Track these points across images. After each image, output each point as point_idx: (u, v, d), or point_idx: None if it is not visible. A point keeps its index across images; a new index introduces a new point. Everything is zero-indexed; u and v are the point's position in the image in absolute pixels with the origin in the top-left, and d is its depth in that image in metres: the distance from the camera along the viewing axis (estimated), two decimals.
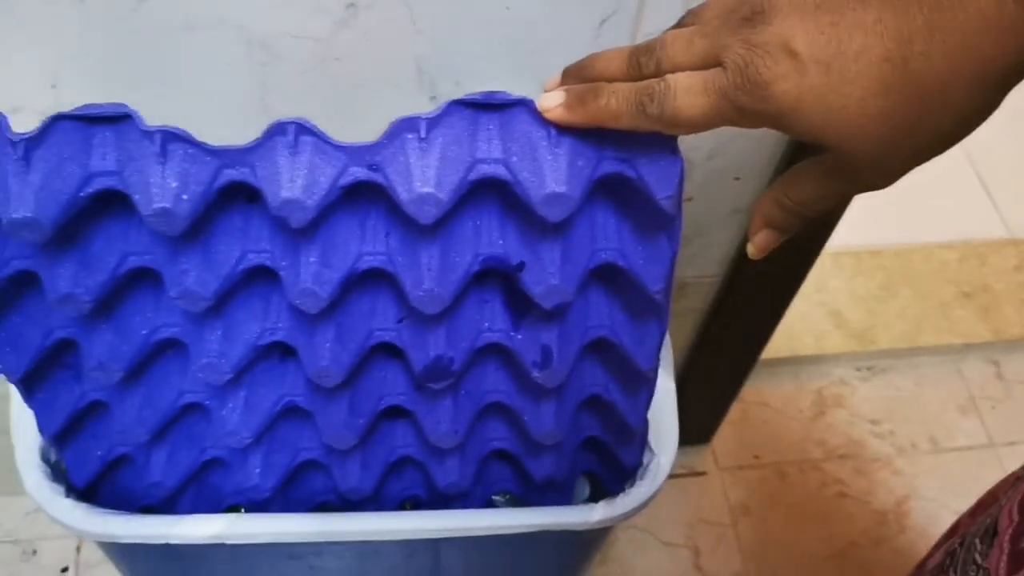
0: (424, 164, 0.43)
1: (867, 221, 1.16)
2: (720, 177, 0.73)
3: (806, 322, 1.36)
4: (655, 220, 0.47)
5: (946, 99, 0.31)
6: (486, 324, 0.53)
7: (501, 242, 0.48)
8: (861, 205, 0.69)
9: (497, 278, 0.52)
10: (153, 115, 0.58)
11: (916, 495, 1.24)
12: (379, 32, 0.55)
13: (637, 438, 0.57)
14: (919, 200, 1.38)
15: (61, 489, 0.55)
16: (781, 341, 1.01)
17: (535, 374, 0.52)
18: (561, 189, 0.43)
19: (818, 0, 0.33)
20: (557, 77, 0.45)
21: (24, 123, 0.58)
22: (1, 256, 0.48)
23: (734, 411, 1.19)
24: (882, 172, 0.35)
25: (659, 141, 0.44)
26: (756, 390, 1.32)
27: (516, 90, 0.60)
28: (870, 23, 0.32)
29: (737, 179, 0.73)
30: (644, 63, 0.39)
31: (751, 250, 0.42)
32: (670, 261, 0.48)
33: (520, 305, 0.52)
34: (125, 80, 0.56)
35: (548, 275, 0.47)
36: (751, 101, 0.34)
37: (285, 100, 0.58)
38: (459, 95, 0.60)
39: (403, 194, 0.43)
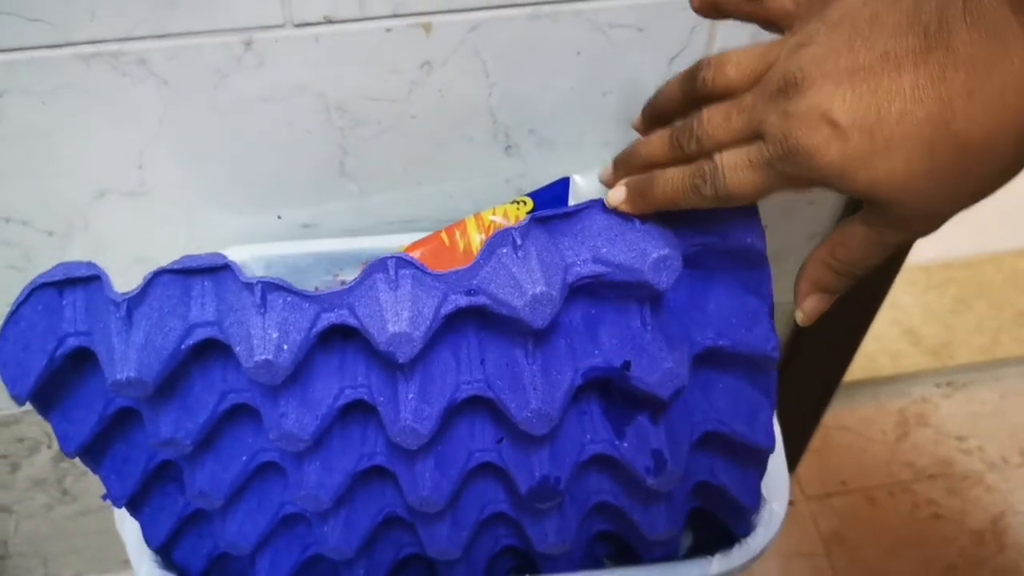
0: (528, 269, 0.43)
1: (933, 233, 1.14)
2: (794, 203, 0.72)
3: (881, 342, 1.33)
4: (746, 274, 0.47)
5: (991, 153, 0.31)
6: (587, 436, 0.51)
7: (596, 352, 0.47)
8: None
9: (590, 387, 0.51)
10: (236, 186, 0.60)
11: (1012, 511, 1.21)
12: (453, 87, 0.55)
13: (749, 512, 0.56)
14: (983, 208, 1.35)
15: None
16: (857, 362, 0.99)
17: (650, 481, 0.50)
18: (665, 252, 0.43)
19: (850, 67, 0.33)
20: (610, 166, 0.46)
21: (111, 206, 0.59)
22: (107, 395, 0.49)
23: (815, 438, 1.16)
24: (930, 221, 0.36)
25: (740, 216, 0.44)
26: (835, 414, 1.29)
27: (591, 133, 0.61)
28: (908, 88, 0.32)
29: (811, 204, 0.73)
30: (684, 143, 0.40)
31: (800, 317, 0.42)
32: (768, 317, 0.47)
33: (619, 412, 0.50)
34: (208, 156, 0.57)
35: (659, 360, 0.46)
36: (797, 170, 0.35)
37: (364, 161, 0.59)
38: (534, 143, 0.61)
39: (516, 301, 0.43)
